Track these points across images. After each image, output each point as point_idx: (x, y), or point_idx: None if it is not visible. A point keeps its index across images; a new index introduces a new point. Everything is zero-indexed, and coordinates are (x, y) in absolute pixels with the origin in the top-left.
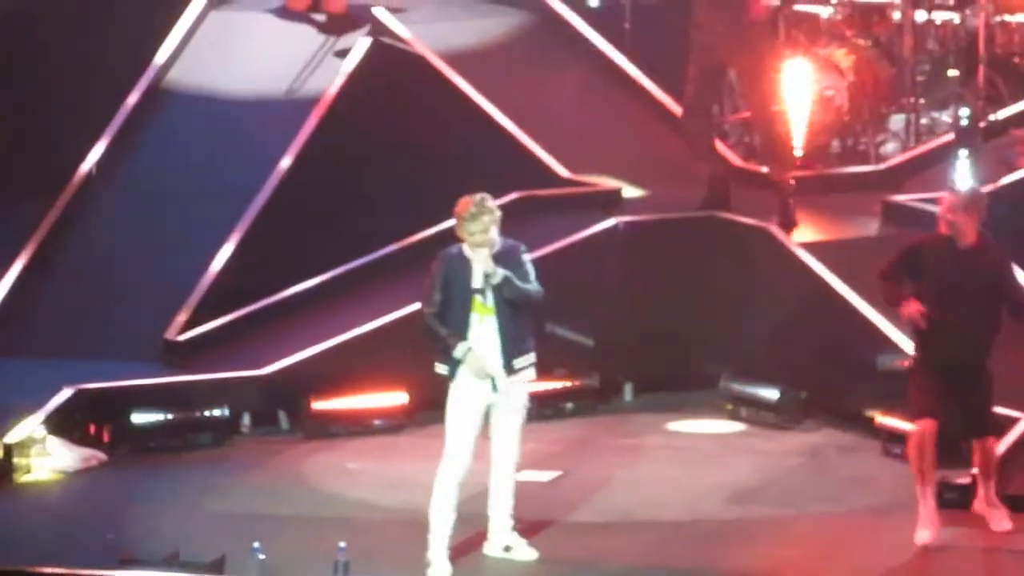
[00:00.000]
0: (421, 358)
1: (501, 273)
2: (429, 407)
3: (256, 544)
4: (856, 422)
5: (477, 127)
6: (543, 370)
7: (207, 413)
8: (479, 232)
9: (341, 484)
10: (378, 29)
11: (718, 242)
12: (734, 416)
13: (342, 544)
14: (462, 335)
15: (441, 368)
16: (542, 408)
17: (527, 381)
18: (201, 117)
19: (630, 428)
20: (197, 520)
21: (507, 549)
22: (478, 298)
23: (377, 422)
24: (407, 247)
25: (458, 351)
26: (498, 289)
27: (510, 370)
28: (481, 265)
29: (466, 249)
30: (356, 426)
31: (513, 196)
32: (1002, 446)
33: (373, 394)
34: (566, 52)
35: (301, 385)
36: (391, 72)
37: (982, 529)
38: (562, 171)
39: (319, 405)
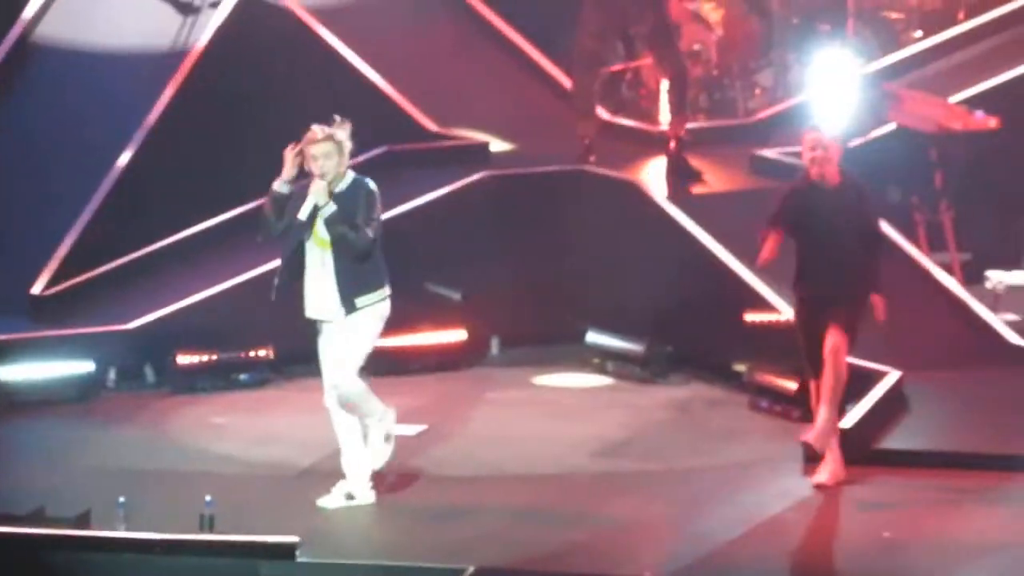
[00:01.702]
0: (287, 312)
1: (331, 207)
2: (295, 361)
3: (122, 498)
4: (724, 376)
5: (346, 82)
6: (410, 324)
7: (72, 368)
8: (321, 156)
9: (207, 439)
10: None
11: (586, 196)
12: (601, 370)
13: (208, 498)
14: (293, 263)
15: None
16: (409, 362)
17: (377, 316)
18: (68, 72)
19: (497, 382)
20: (63, 474)
21: (349, 496)
22: (316, 229)
23: (243, 376)
24: None
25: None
26: (328, 224)
27: (350, 307)
28: (314, 194)
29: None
30: (222, 380)
31: (381, 150)
32: (869, 401)
33: (239, 348)
34: (437, 6)
35: (167, 340)
36: (260, 26)
37: (843, 483)
38: (431, 125)
39: (185, 359)
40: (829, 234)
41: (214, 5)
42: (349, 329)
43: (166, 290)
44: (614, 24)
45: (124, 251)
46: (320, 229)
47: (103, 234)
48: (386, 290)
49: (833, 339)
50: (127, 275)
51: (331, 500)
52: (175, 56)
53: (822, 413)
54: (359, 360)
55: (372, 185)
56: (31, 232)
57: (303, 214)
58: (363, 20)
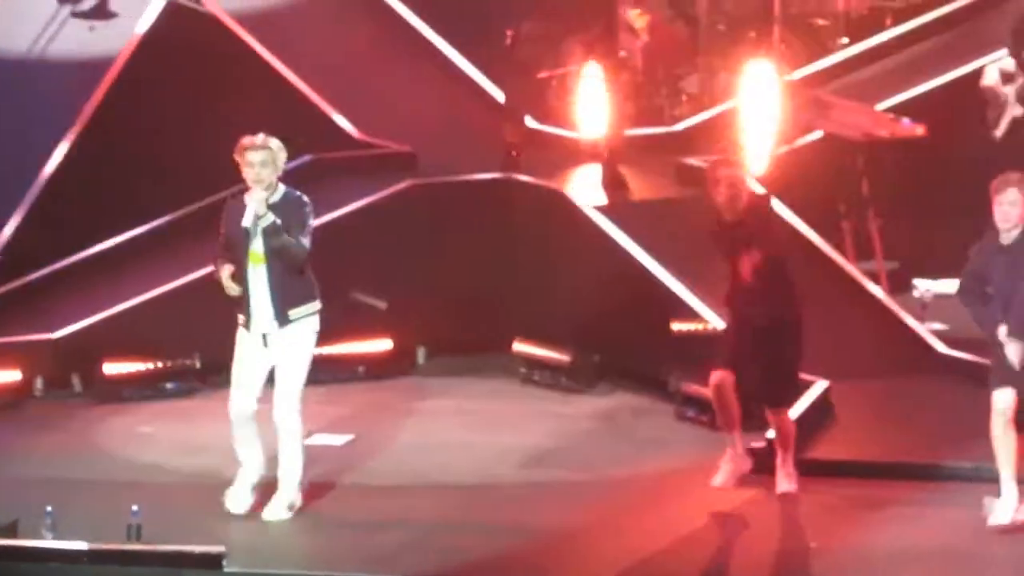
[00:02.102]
0: (213, 322)
1: (271, 217)
2: (221, 370)
3: (49, 508)
4: (650, 385)
5: (271, 89)
6: (336, 333)
7: None
8: (257, 164)
9: (134, 448)
10: None
11: (513, 204)
12: (528, 380)
13: (135, 508)
14: (245, 289)
15: (240, 319)
16: (335, 371)
17: (310, 330)
18: None
19: (423, 392)
20: None
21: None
22: (252, 247)
23: (169, 385)
24: (199, 211)
25: (221, 271)
26: (265, 236)
27: (284, 320)
28: (254, 205)
29: (246, 195)
30: (148, 390)
31: (307, 159)
32: (796, 410)
33: (164, 357)
34: (363, 13)
35: (93, 349)
36: (184, 33)
37: (772, 493)
38: (357, 133)
39: (112, 369)
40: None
41: (134, 15)
42: (287, 346)
43: (93, 299)
44: (556, 30)
45: (50, 260)
46: (255, 244)
47: (29, 243)
48: (318, 303)
49: (778, 409)
50: (54, 284)
51: (273, 511)
52: (100, 65)
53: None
54: (302, 383)
55: (305, 197)
56: None
57: (247, 221)
58: (289, 27)
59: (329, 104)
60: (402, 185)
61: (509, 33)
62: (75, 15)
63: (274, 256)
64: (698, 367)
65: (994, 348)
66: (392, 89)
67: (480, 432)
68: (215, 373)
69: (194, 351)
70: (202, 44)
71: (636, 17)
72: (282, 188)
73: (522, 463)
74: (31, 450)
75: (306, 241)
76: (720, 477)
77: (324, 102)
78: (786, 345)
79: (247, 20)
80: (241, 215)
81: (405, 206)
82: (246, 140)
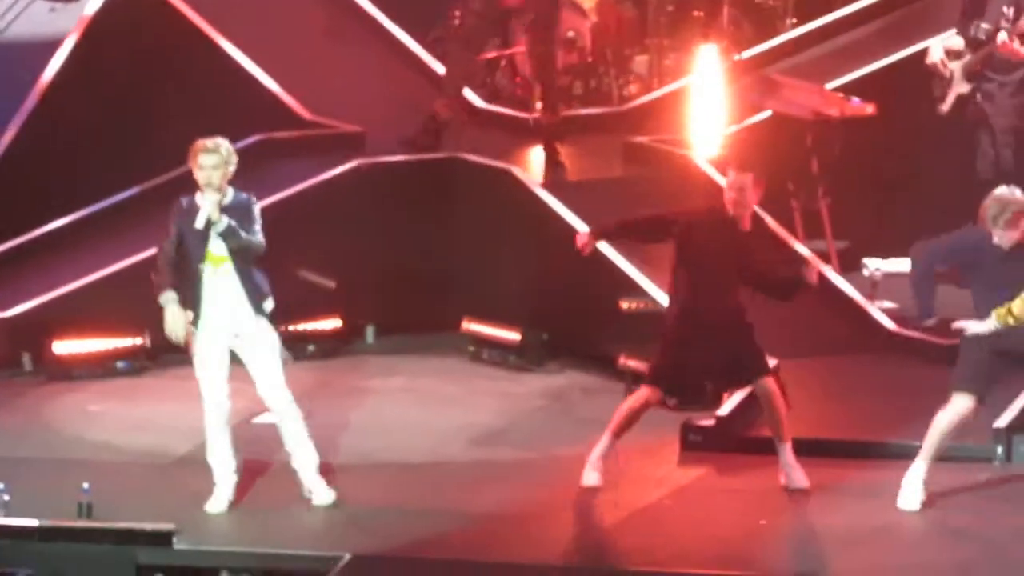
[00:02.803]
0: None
1: (226, 221)
2: (171, 349)
3: (0, 485)
4: (599, 364)
5: (220, 69)
6: (286, 312)
7: None
8: (209, 167)
9: (84, 426)
10: None
11: (461, 184)
12: (476, 358)
13: (85, 485)
14: (199, 291)
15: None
16: (283, 350)
17: (268, 325)
18: None
19: (372, 370)
20: None
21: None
22: (210, 249)
23: (119, 364)
24: (148, 190)
25: (162, 297)
26: (223, 238)
27: (260, 313)
28: (207, 208)
29: (198, 197)
30: (98, 368)
31: (255, 138)
32: (745, 388)
33: (115, 336)
34: None
35: (43, 327)
36: (134, 15)
37: (721, 471)
38: (305, 113)
39: (61, 347)
40: (726, 273)
41: None
42: (260, 338)
43: (43, 278)
44: (494, 4)
45: (1, 239)
46: (212, 246)
47: None
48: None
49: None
50: (4, 263)
51: (322, 499)
52: (50, 44)
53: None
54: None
55: (253, 196)
56: None
57: (199, 223)
58: (238, 9)
59: (278, 84)
60: (351, 164)
61: (456, 13)
62: None
63: (237, 255)
64: (647, 345)
65: (971, 349)
66: (341, 70)
67: (429, 411)
68: (165, 352)
69: (144, 330)
70: (152, 25)
71: None
72: (231, 190)
73: (471, 441)
74: None
75: (260, 235)
76: (592, 478)
77: (273, 82)
78: (746, 327)
79: (196, 1)
80: (194, 217)
81: (354, 185)
82: (198, 143)
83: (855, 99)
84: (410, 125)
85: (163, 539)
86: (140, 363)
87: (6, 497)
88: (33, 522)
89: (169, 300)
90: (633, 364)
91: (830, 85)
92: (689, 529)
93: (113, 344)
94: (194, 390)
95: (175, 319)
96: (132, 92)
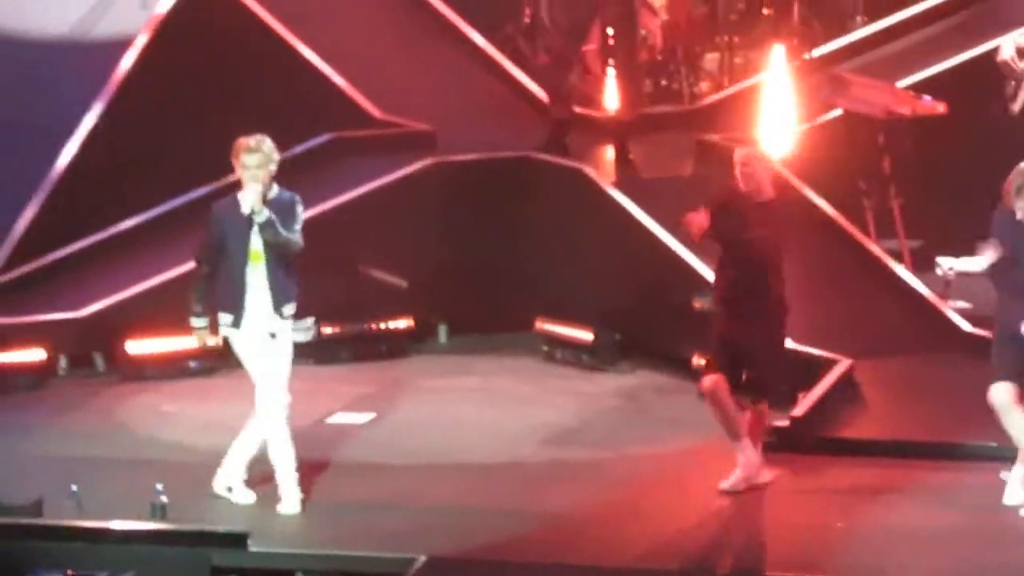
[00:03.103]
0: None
1: (266, 213)
2: None
3: (74, 487)
4: (672, 364)
5: (293, 69)
6: (358, 312)
7: (23, 355)
8: (254, 166)
9: (157, 427)
10: None
11: (533, 183)
12: (549, 358)
13: (159, 486)
14: (241, 289)
15: (225, 326)
16: (357, 350)
17: (294, 328)
18: (12, 61)
19: (445, 370)
20: (14, 463)
21: (229, 489)
22: (252, 245)
23: (192, 364)
24: (222, 188)
25: (193, 321)
26: (262, 231)
27: (280, 315)
28: (251, 199)
29: (238, 195)
30: (171, 368)
31: (326, 137)
32: (820, 389)
33: (187, 336)
34: None
35: (117, 327)
36: (205, 13)
37: (797, 472)
38: (377, 112)
39: (134, 347)
40: (751, 252)
41: None
42: (285, 341)
43: (116, 278)
44: (578, 15)
45: (74, 239)
46: (253, 242)
47: (54, 222)
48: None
49: (761, 401)
50: (78, 263)
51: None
52: (122, 43)
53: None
54: None
55: (297, 196)
56: None
57: (244, 208)
58: (309, 7)
59: (349, 83)
60: (423, 163)
61: (527, 11)
62: None
63: (272, 252)
64: None
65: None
66: (412, 68)
67: (502, 410)
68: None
69: (216, 329)
70: (223, 24)
71: None
72: (275, 187)
73: (544, 441)
74: (55, 429)
75: (299, 235)
76: (730, 482)
77: (345, 82)
78: (775, 335)
79: (267, 1)
80: (234, 216)
81: (426, 185)
82: (241, 142)
83: (926, 97)
84: (481, 124)
85: (238, 541)
86: (212, 363)
87: (80, 499)
88: (107, 524)
89: (199, 325)
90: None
91: (901, 83)
92: (764, 530)
93: (185, 344)
94: None
95: (202, 342)
96: (204, 91)
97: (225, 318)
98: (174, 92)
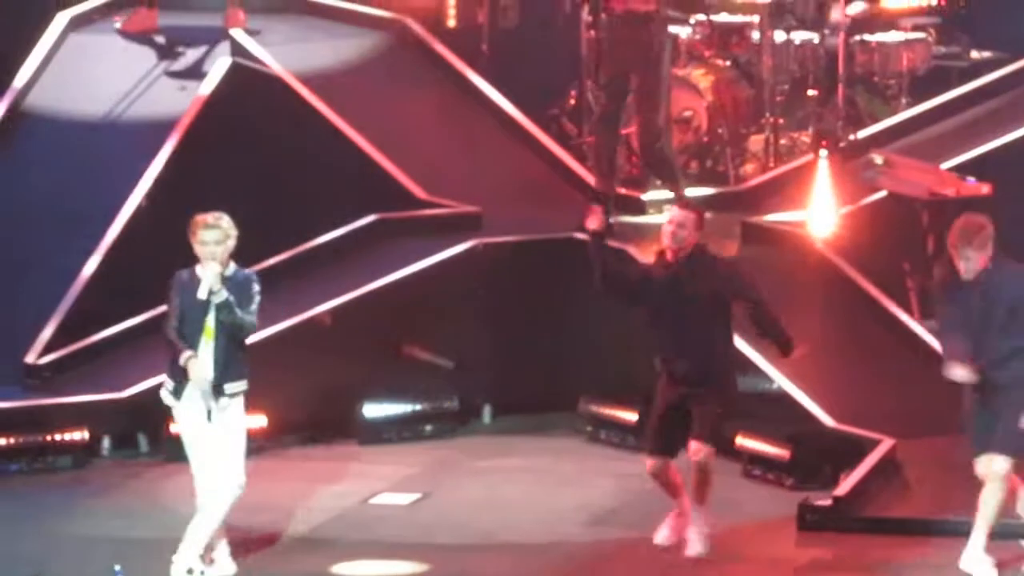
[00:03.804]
0: (278, 380)
1: (224, 293)
2: (290, 429)
3: (117, 567)
4: (716, 444)
5: (335, 149)
6: (403, 392)
7: (66, 436)
8: (212, 243)
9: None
10: (235, 50)
11: (577, 263)
12: (593, 438)
13: (201, 568)
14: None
15: (167, 393)
16: (402, 430)
17: (239, 407)
18: (59, 140)
19: (489, 450)
20: (57, 543)
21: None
22: (207, 321)
23: None
24: (264, 270)
25: (183, 357)
26: (218, 311)
27: (219, 393)
28: (209, 279)
29: (198, 269)
30: None
31: (371, 219)
32: (863, 469)
33: None
34: (425, 74)
35: (160, 407)
36: (248, 94)
37: (839, 552)
38: (420, 193)
39: (177, 427)
40: (683, 311)
41: (203, 73)
42: (231, 420)
43: (160, 358)
44: (620, 75)
45: (118, 319)
46: (208, 318)
47: (97, 302)
48: (245, 382)
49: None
50: (121, 343)
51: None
52: (166, 124)
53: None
54: None
55: (254, 275)
56: (25, 300)
57: (202, 293)
58: (350, 87)
59: (393, 164)
60: (468, 244)
61: (572, 92)
62: (169, 75)
63: (224, 331)
64: (765, 426)
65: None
66: (456, 149)
67: (546, 490)
68: (281, 432)
69: (260, 410)
70: (266, 104)
71: (700, 77)
72: (232, 265)
73: (588, 522)
74: (98, 509)
75: (254, 317)
76: (662, 534)
77: (388, 162)
78: (717, 392)
79: (310, 80)
80: (194, 290)
81: (471, 265)
82: (199, 218)
83: (970, 179)
84: (526, 204)
85: None
86: (257, 443)
87: None
88: None
89: (190, 356)
90: (750, 444)
91: (945, 165)
92: None
93: None
94: (312, 471)
95: (204, 366)
96: (248, 172)
97: (169, 384)
98: (217, 172)
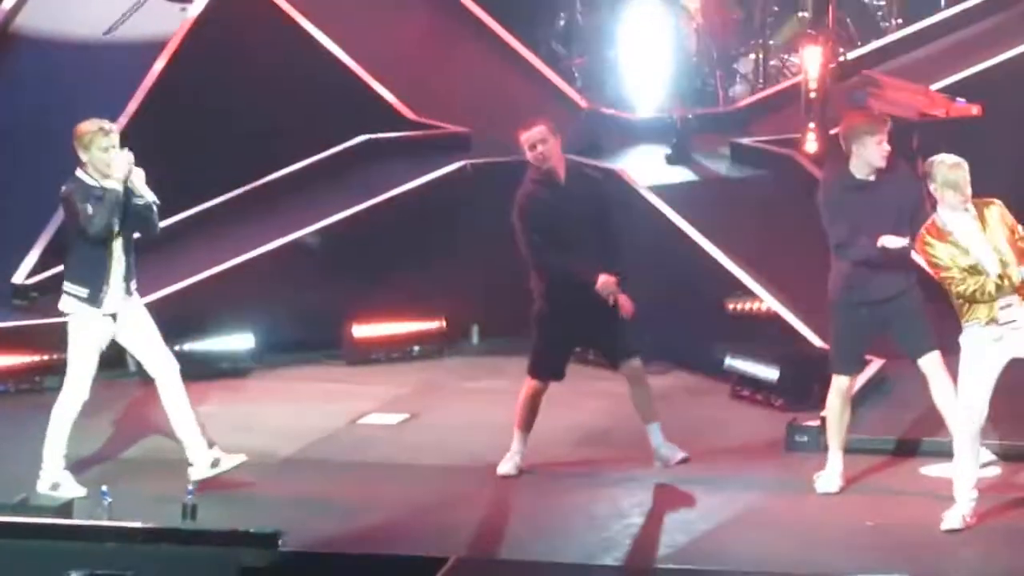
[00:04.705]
0: (268, 301)
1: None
2: (276, 350)
3: (104, 487)
4: (705, 365)
5: (325, 70)
6: (390, 313)
7: (54, 356)
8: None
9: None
10: None
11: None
12: (581, 359)
13: (189, 487)
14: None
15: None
16: (389, 351)
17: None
18: (48, 63)
19: (478, 371)
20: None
21: (215, 464)
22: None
23: (224, 365)
24: (257, 189)
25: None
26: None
27: (129, 292)
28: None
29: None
30: (203, 369)
31: (360, 139)
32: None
33: (219, 337)
34: None
35: None
36: (239, 14)
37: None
38: (411, 114)
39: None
40: (574, 230)
41: None
42: (139, 315)
43: (146, 278)
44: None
45: None
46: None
47: None
48: None
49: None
50: None
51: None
52: (155, 45)
53: None
54: None
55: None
56: (13, 221)
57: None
58: (343, 9)
59: (383, 85)
60: (457, 165)
61: (562, 14)
62: None
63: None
64: (753, 345)
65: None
66: (446, 70)
67: None
68: (270, 352)
69: (248, 330)
70: (257, 25)
71: None
72: None
73: (576, 443)
74: (85, 429)
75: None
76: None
77: (378, 83)
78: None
79: (300, 2)
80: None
81: (460, 186)
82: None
83: (960, 100)
84: (515, 125)
85: (269, 542)
86: (245, 363)
87: (109, 499)
88: (137, 524)
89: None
90: (738, 365)
91: (935, 86)
92: (796, 529)
93: (218, 345)
94: (298, 391)
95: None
96: (238, 91)
97: (84, 294)
98: (206, 95)
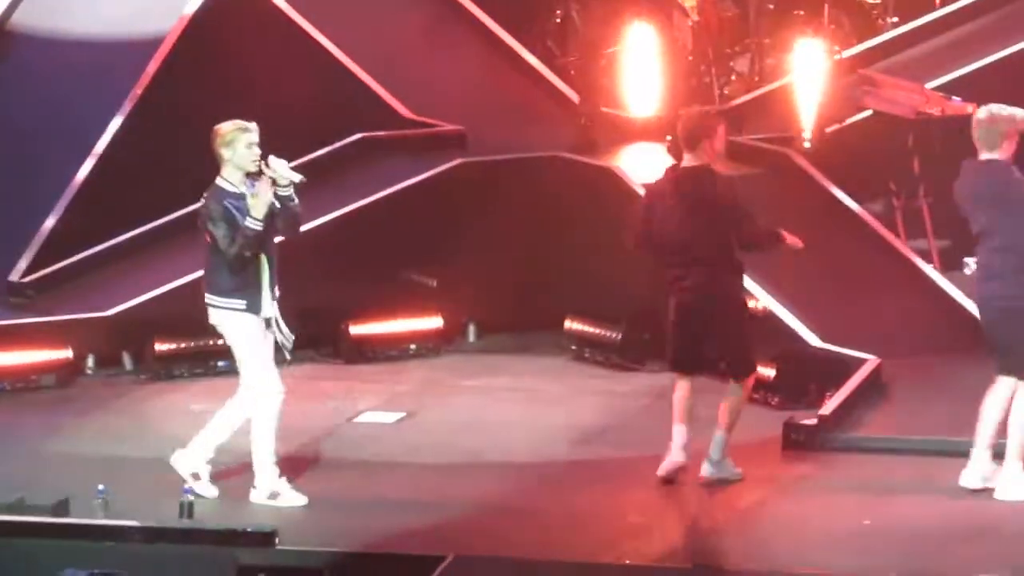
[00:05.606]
0: None
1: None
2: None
3: (101, 486)
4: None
5: (321, 68)
6: (387, 311)
7: (50, 355)
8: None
9: (184, 426)
10: None
11: (563, 182)
12: (579, 357)
13: (187, 485)
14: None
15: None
16: (386, 349)
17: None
18: (45, 59)
19: (475, 369)
20: (41, 462)
21: (273, 496)
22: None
23: (219, 363)
24: None
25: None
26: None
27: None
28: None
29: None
30: (199, 367)
31: (355, 137)
32: (847, 388)
33: (215, 335)
34: None
35: (145, 326)
36: (235, 12)
37: (824, 470)
38: (406, 112)
39: (162, 346)
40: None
41: None
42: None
43: (144, 276)
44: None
45: (102, 238)
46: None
47: (82, 221)
48: None
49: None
50: (105, 262)
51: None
52: (152, 43)
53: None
54: None
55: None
56: (9, 219)
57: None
58: (338, 7)
59: (379, 83)
60: (452, 163)
61: (558, 12)
62: None
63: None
64: (751, 345)
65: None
66: (442, 69)
67: (530, 410)
68: None
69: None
70: (251, 24)
71: None
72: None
73: (573, 441)
74: (82, 428)
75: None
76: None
77: (374, 81)
78: (723, 318)
79: (297, 1)
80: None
81: (456, 184)
82: (242, 123)
83: (956, 98)
84: (510, 123)
85: (265, 540)
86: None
87: (107, 498)
88: (134, 523)
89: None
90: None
91: (931, 84)
92: (793, 528)
93: (213, 342)
94: (293, 390)
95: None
96: (233, 90)
97: (243, 303)
98: (202, 92)
